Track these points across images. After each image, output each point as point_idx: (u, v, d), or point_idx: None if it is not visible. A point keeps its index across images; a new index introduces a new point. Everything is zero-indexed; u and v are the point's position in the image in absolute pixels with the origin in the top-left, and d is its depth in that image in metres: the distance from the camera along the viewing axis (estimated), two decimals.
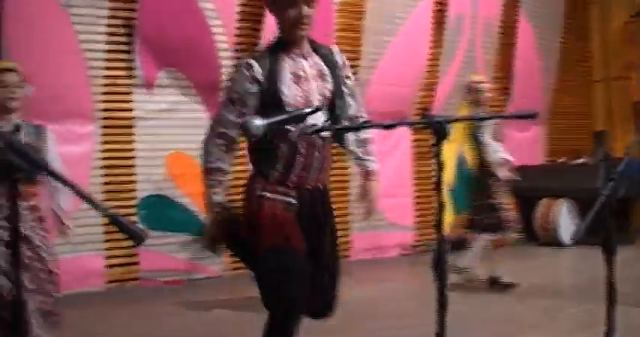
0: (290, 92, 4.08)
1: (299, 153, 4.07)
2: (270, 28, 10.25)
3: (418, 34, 12.14)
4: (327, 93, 4.21)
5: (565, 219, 12.47)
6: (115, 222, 2.60)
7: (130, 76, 9.68)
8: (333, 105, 4.23)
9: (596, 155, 13.66)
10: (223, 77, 10.19)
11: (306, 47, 4.26)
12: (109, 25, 9.47)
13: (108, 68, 9.51)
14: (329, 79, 4.25)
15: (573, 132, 14.73)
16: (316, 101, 4.11)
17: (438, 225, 3.05)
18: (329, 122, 4.11)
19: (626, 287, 8.20)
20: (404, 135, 11.92)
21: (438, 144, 2.92)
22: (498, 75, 13.83)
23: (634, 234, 13.53)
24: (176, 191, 9.97)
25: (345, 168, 10.75)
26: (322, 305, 4.31)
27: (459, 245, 12.03)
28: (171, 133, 9.95)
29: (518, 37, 13.91)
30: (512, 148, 13.72)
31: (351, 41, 11.19)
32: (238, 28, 10.43)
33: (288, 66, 4.14)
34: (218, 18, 10.10)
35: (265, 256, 4.01)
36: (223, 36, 10.22)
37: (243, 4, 10.44)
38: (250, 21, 10.54)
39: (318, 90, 4.18)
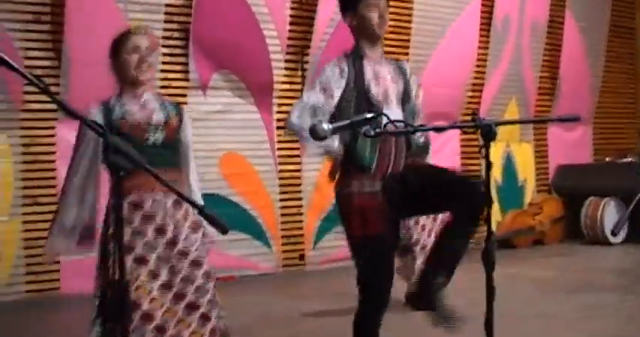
0: (375, 90, 4.47)
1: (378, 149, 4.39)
2: (320, 31, 10.53)
3: (466, 35, 12.29)
4: (400, 95, 4.59)
5: (611, 218, 12.54)
6: (202, 213, 2.89)
7: (185, 79, 9.96)
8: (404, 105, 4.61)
9: None
10: (275, 79, 10.44)
11: (381, 53, 4.68)
12: (165, 30, 9.74)
13: (164, 71, 9.75)
14: (401, 83, 4.62)
15: (620, 132, 14.78)
16: (394, 99, 4.52)
17: (487, 221, 3.26)
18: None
19: None
20: (453, 135, 12.07)
21: (486, 145, 3.12)
22: (545, 75, 13.96)
23: None
24: (229, 190, 10.19)
25: None
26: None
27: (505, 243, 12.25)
28: (225, 134, 10.19)
29: (565, 38, 14.00)
30: (560, 148, 13.94)
31: (400, 43, 11.39)
32: (290, 31, 10.66)
33: (369, 68, 4.51)
34: (270, 21, 10.34)
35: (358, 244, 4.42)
36: (275, 39, 10.45)
37: (294, 8, 10.68)
38: (301, 24, 10.79)
39: (393, 90, 4.56)
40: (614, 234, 11.61)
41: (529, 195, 13.59)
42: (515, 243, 12.51)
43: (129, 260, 4.34)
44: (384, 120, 3.44)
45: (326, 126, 3.17)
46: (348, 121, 3.34)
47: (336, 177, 4.52)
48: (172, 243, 4.58)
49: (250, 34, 10.17)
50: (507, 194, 13.15)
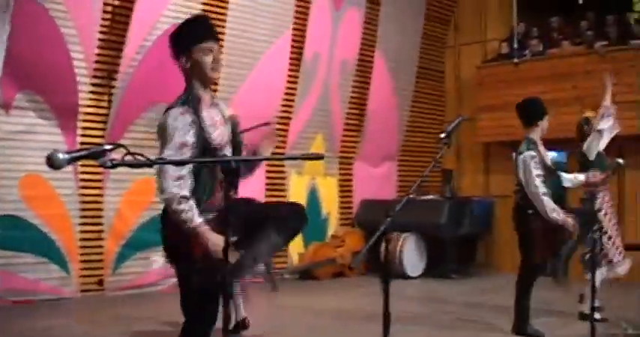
0: (214, 135, 4.61)
1: None
2: (129, 56, 10.53)
3: (275, 69, 12.52)
4: (230, 136, 4.77)
5: (410, 253, 12.96)
6: None
7: None
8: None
9: (443, 192, 14.26)
10: (80, 102, 10.36)
11: (212, 96, 4.78)
12: None
13: None
14: (228, 124, 4.78)
15: (425, 169, 15.13)
16: (227, 141, 4.70)
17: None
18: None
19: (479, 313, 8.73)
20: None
21: (227, 179, 3.26)
22: (353, 112, 14.34)
23: (479, 267, 14.22)
24: (29, 212, 10.01)
25: None
26: None
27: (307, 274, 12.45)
28: (27, 155, 9.99)
29: (374, 77, 14.44)
30: (366, 183, 14.32)
31: None
32: (98, 55, 10.58)
33: (206, 113, 4.62)
34: (79, 43, 10.22)
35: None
36: (82, 62, 10.35)
37: (103, 32, 10.61)
38: (110, 49, 10.71)
39: (225, 133, 4.71)
40: (350, 268, 12.10)
41: (332, 227, 13.89)
42: (317, 275, 12.75)
43: None
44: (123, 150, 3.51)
45: (62, 155, 3.20)
46: (86, 152, 3.39)
47: None
48: None
49: (57, 55, 10.03)
50: (310, 226, 13.27)
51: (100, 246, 10.69)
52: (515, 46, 14.25)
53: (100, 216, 10.67)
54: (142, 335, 5.85)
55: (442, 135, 4.21)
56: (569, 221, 7.75)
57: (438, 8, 15.84)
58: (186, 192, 4.38)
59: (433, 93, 16.06)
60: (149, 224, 10.52)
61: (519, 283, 8.09)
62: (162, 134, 4.52)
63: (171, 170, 4.38)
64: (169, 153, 4.43)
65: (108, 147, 3.36)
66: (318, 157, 3.85)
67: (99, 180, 10.58)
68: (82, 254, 10.52)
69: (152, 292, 10.78)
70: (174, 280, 4.70)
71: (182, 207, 4.36)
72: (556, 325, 8.52)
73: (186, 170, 4.43)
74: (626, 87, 12.79)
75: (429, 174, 4.29)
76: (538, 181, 7.76)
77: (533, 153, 7.88)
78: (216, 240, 4.32)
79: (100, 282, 10.67)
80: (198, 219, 4.38)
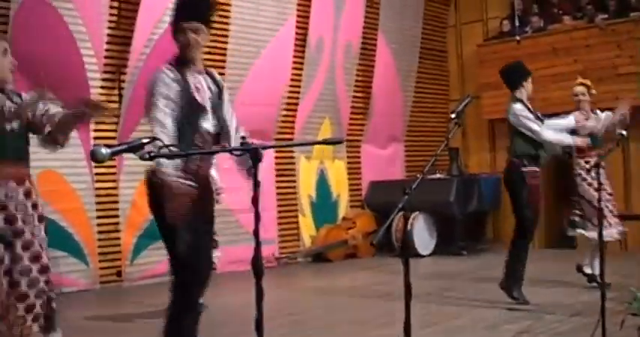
0: (198, 97, 4.99)
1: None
2: (137, 50, 10.68)
3: (280, 55, 12.66)
4: (214, 104, 5.10)
5: (420, 232, 13.14)
6: None
7: None
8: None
9: (450, 170, 14.42)
10: (92, 97, 10.49)
11: (201, 66, 5.15)
12: None
13: None
14: (215, 93, 5.14)
15: (431, 149, 15.30)
16: (209, 108, 5.03)
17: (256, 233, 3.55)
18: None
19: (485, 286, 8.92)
20: (267, 152, 12.33)
21: (254, 166, 3.44)
22: (358, 95, 14.51)
23: (488, 243, 14.39)
24: (46, 207, 10.08)
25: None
26: None
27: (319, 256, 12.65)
28: (42, 151, 10.03)
29: (378, 59, 14.60)
30: (373, 165, 14.47)
31: (216, 63, 11.50)
32: (107, 51, 10.74)
33: (192, 77, 5.04)
34: (88, 40, 10.38)
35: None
36: (92, 58, 10.50)
37: (111, 28, 10.79)
38: (119, 44, 10.88)
39: (209, 99, 5.06)
40: (372, 244, 12.28)
41: (343, 210, 14.07)
42: (330, 257, 12.94)
43: None
44: (159, 144, 3.69)
45: (104, 150, 3.37)
46: (126, 145, 3.56)
47: None
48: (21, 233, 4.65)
49: (67, 52, 10.16)
50: (321, 209, 13.58)
51: (117, 238, 10.87)
52: (517, 23, 14.36)
53: (115, 208, 10.84)
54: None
55: (453, 116, 4.35)
56: (581, 140, 8.78)
57: None
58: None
59: (436, 73, 16.21)
60: None
61: (512, 245, 8.51)
62: (150, 90, 4.90)
63: (160, 117, 4.80)
64: (157, 104, 4.81)
65: (145, 140, 3.54)
66: (338, 142, 4.02)
67: (113, 173, 10.73)
68: (99, 247, 10.70)
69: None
70: None
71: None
72: (565, 294, 8.72)
73: (169, 120, 4.80)
74: (627, 59, 12.96)
75: (438, 153, 4.42)
76: (534, 124, 8.35)
77: (520, 105, 8.39)
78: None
79: (119, 273, 10.85)
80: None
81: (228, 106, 5.22)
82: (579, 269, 9.08)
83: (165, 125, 4.76)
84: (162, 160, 4.53)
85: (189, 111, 4.89)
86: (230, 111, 5.22)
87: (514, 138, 8.52)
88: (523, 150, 8.43)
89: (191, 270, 4.92)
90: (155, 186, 4.76)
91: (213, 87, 5.14)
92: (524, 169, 8.35)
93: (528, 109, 8.42)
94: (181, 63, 5.02)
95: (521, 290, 8.28)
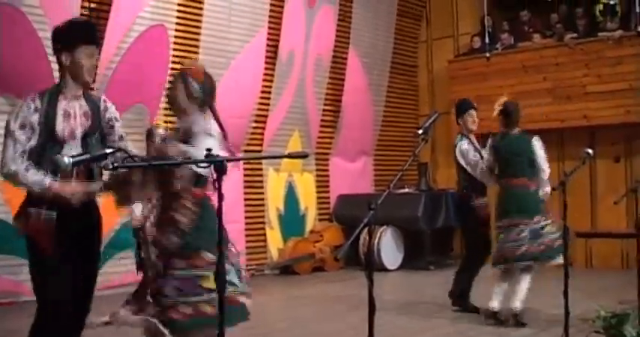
0: (60, 127, 4.76)
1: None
2: (106, 59, 10.61)
3: (250, 67, 12.61)
4: (86, 131, 4.90)
5: (387, 246, 13.14)
6: None
7: None
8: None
9: (419, 185, 14.45)
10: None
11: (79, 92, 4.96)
12: None
13: None
14: (91, 120, 4.94)
15: (400, 163, 15.26)
16: (78, 136, 4.83)
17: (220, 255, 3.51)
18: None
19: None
20: (235, 164, 12.30)
21: (218, 179, 3.42)
22: (329, 108, 14.51)
23: (456, 258, 14.39)
24: (10, 215, 10.02)
25: None
26: None
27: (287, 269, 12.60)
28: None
29: (348, 73, 14.62)
30: (342, 178, 14.47)
31: None
32: None
33: (63, 104, 4.83)
34: None
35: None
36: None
37: None
38: None
39: (81, 127, 4.86)
40: (336, 259, 12.33)
41: (311, 223, 14.04)
42: (297, 270, 12.90)
43: None
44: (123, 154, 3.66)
45: (67, 159, 3.34)
46: (89, 155, 3.53)
47: None
48: None
49: (36, 59, 10.01)
50: (289, 222, 13.55)
51: None
52: (487, 40, 14.43)
53: None
54: (132, 332, 5.95)
55: (420, 131, 4.36)
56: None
57: (410, 3, 16.06)
58: (25, 165, 4.59)
59: (407, 88, 16.27)
60: (130, 224, 10.58)
61: (465, 260, 9.23)
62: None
63: (12, 148, 4.64)
64: (13, 131, 4.65)
65: (109, 150, 3.52)
66: (303, 156, 4.00)
67: None
68: None
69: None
70: None
71: (28, 175, 4.56)
72: (530, 311, 8.74)
73: (25, 148, 4.65)
74: (595, 78, 13.05)
75: (403, 167, 4.42)
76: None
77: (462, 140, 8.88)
78: (73, 188, 4.60)
79: None
80: (47, 179, 4.57)
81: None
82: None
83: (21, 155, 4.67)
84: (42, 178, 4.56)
85: (46, 142, 4.73)
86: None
87: (459, 172, 8.92)
88: (468, 183, 8.76)
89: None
90: None
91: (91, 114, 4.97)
92: (472, 203, 8.70)
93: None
94: (55, 87, 4.92)
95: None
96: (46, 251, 4.64)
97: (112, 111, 5.12)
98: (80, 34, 4.88)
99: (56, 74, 9.96)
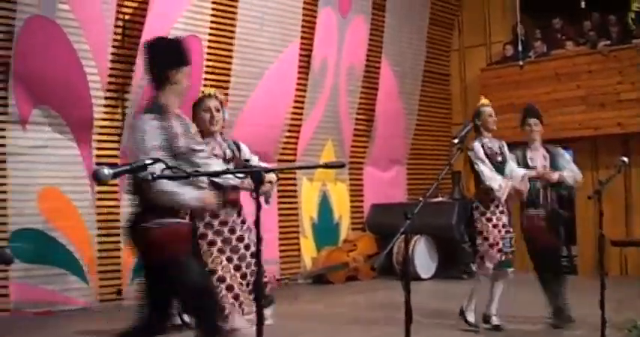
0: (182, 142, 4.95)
1: None
2: (141, 69, 10.68)
3: (283, 77, 12.68)
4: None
5: (421, 255, 13.12)
6: None
7: (4, 113, 9.84)
8: None
9: (452, 194, 14.43)
10: (95, 116, 10.52)
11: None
12: None
13: None
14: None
15: (433, 172, 15.36)
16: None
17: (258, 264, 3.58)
18: None
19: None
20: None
21: (256, 188, 3.46)
22: (362, 117, 14.53)
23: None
24: (47, 225, 10.18)
25: None
26: None
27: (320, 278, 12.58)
28: (44, 169, 10.15)
29: (381, 82, 14.64)
30: (375, 187, 14.47)
31: (220, 84, 11.56)
32: (111, 69, 10.75)
33: (174, 122, 4.98)
34: (92, 58, 10.38)
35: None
36: (96, 76, 10.49)
37: (115, 46, 10.81)
38: (123, 62, 10.92)
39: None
40: (373, 268, 12.26)
41: (344, 232, 14.07)
42: (331, 279, 12.91)
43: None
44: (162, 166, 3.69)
45: (107, 171, 3.37)
46: (128, 167, 3.56)
47: None
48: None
49: (71, 71, 10.16)
50: (323, 231, 13.58)
51: (118, 257, 10.82)
52: (520, 48, 14.38)
53: (117, 227, 10.76)
54: None
55: (455, 141, 4.39)
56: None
57: (442, 12, 16.06)
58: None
59: (439, 97, 16.26)
60: None
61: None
62: (134, 137, 4.86)
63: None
64: (142, 156, 4.68)
65: (148, 161, 3.55)
66: (340, 165, 4.02)
67: (115, 192, 10.71)
68: (100, 265, 10.66)
69: None
70: None
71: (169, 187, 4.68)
72: None
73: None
74: (629, 85, 12.99)
75: (439, 176, 4.45)
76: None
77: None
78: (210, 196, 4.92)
79: (119, 292, 10.82)
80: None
81: None
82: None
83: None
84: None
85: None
86: None
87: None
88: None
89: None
90: None
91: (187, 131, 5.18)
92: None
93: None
94: (163, 106, 5.01)
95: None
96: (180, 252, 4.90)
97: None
98: (177, 56, 5.07)
99: (93, 85, 10.28)
